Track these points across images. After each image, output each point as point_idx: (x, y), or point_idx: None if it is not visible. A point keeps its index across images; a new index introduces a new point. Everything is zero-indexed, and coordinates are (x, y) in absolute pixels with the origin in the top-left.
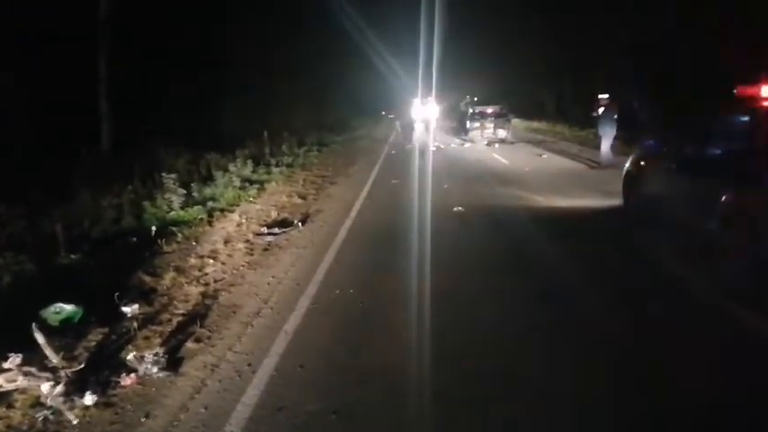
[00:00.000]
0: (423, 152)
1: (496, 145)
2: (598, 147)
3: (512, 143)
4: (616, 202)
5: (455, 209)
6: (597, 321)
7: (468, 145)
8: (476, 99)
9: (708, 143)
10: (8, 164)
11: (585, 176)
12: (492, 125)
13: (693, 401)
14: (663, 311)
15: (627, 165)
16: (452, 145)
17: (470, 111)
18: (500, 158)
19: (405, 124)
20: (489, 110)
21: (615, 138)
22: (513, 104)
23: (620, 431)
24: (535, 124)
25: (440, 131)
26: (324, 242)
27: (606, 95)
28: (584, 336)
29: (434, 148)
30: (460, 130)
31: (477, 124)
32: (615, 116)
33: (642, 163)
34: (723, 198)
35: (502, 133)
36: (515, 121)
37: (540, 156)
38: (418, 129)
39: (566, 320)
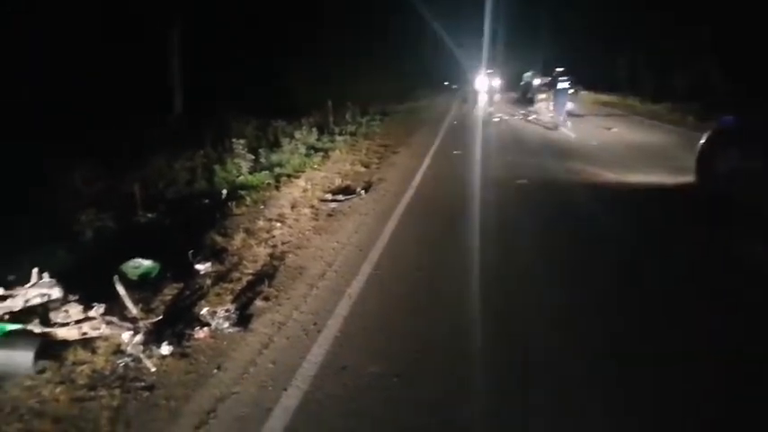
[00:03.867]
0: (486, 123)
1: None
2: (672, 122)
3: (579, 116)
4: (689, 178)
5: (518, 181)
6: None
7: (532, 117)
8: (553, 71)
9: None
10: (91, 131)
11: (655, 152)
12: None
13: None
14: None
15: (701, 141)
16: (516, 117)
17: (536, 82)
18: (566, 132)
19: (469, 94)
20: None
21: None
22: (581, 76)
23: None
24: (604, 97)
25: (504, 103)
26: (386, 210)
27: (561, 68)
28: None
29: (498, 119)
30: (525, 102)
31: (542, 96)
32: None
33: (718, 139)
34: None
35: (569, 105)
36: (583, 94)
37: (609, 129)
38: (481, 99)
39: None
